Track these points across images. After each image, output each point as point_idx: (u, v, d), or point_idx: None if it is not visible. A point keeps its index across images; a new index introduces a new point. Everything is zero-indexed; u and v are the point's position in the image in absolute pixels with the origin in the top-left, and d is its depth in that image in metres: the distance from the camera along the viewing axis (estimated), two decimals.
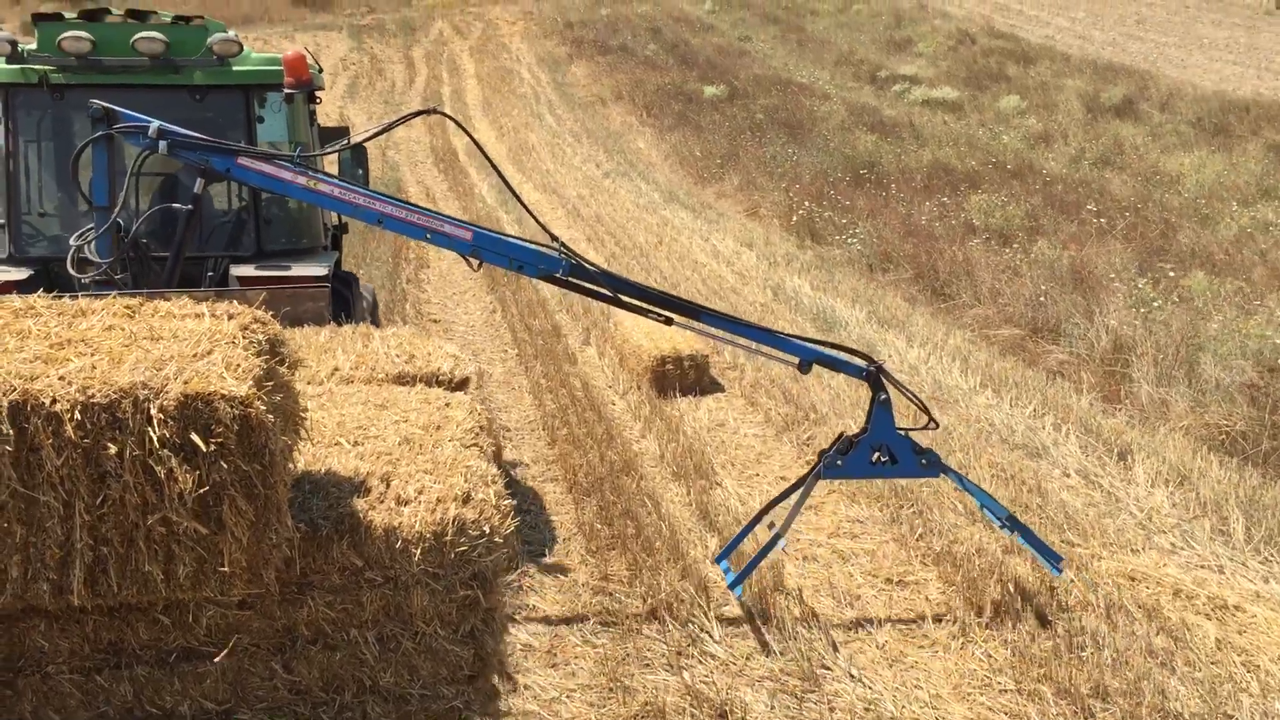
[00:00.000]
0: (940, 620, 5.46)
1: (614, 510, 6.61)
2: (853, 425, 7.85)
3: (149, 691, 3.24)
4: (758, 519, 6.00)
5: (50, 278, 5.47)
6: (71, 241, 4.73)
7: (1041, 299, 11.51)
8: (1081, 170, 19.01)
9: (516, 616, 5.12)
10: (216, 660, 3.26)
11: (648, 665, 4.81)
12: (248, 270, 5.71)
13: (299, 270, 5.69)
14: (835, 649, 5.08)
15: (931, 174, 18.39)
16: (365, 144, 6.18)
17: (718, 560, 6.08)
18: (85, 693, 3.20)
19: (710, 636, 5.11)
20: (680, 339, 9.33)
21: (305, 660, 3.33)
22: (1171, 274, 12.27)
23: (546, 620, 5.13)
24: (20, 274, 5.62)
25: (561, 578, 5.75)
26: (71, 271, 4.68)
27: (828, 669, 4.84)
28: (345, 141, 5.53)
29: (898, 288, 13.36)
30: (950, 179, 18.01)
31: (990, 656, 5.11)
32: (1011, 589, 5.79)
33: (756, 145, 20.98)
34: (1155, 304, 11.01)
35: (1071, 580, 6.33)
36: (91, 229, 4.70)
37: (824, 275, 13.61)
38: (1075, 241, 14.14)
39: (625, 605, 5.42)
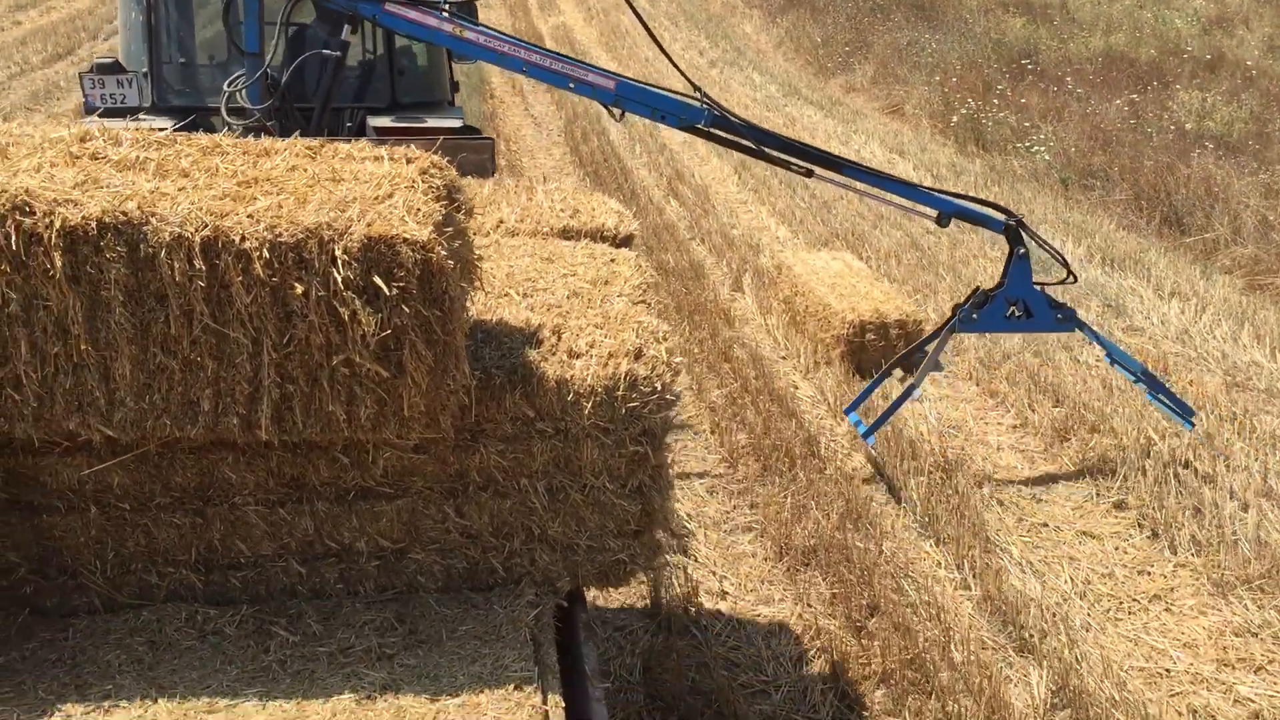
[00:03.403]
0: None
1: (858, 599, 5.06)
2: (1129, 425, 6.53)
3: (328, 526, 3.55)
4: (887, 372, 6.55)
5: (194, 126, 5.80)
6: (225, 87, 5.01)
7: None
8: None
9: None
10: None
11: None
12: (385, 122, 6.00)
13: (437, 122, 5.96)
14: None
15: (1107, 65, 16.82)
16: (475, 2, 6.39)
17: (847, 411, 6.65)
18: (269, 524, 3.53)
19: None
20: (881, 296, 7.63)
21: (476, 506, 3.61)
22: None
23: None
24: (165, 123, 5.95)
25: None
26: (225, 118, 4.96)
27: None
28: None
29: (1108, 212, 11.57)
30: (1133, 71, 16.43)
31: None
32: None
33: (886, 30, 20.04)
34: None
35: (1202, 437, 6.44)
36: (242, 76, 4.97)
37: (1007, 193, 11.98)
38: None
39: None
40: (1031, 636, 4.93)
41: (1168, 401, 6.19)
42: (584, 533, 3.68)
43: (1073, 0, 22.52)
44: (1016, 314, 6.03)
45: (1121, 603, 5.31)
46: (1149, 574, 5.52)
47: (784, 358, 7.85)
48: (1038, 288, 6.01)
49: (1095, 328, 7.82)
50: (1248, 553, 5.50)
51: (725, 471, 6.28)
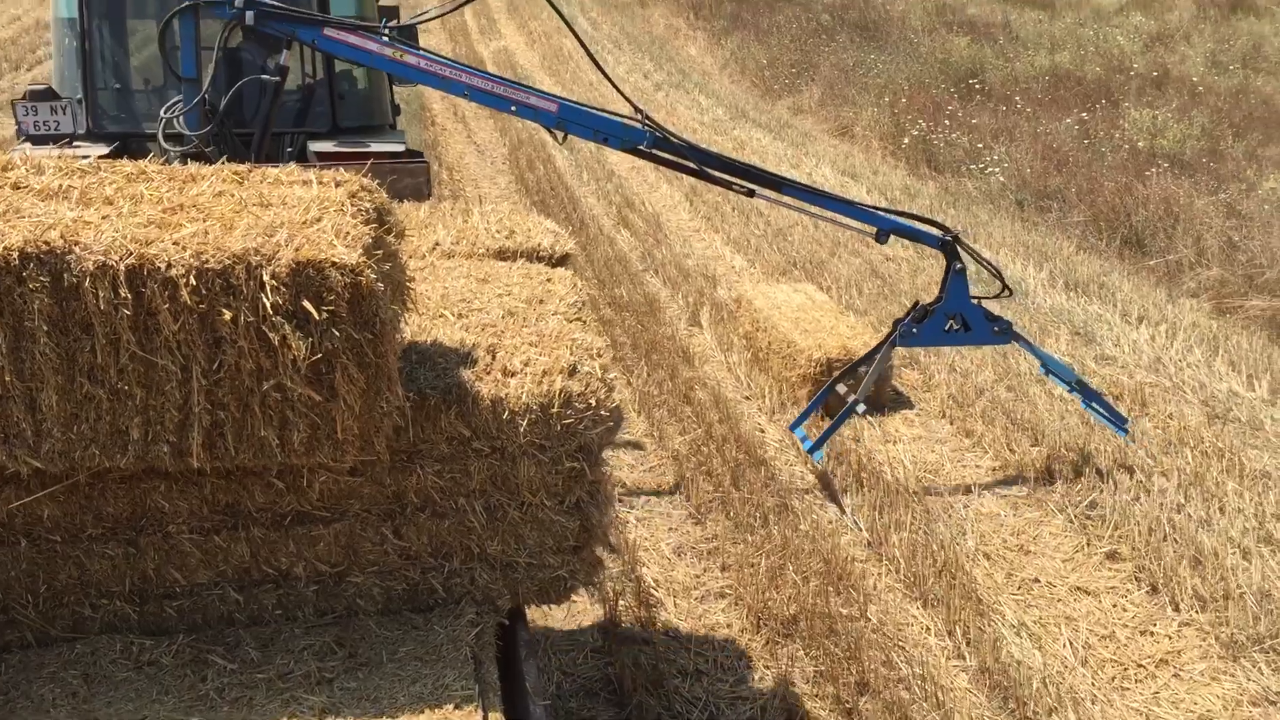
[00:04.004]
0: None
1: (846, 676, 4.77)
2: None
3: (265, 552, 3.57)
4: (830, 387, 6.65)
5: (128, 153, 5.83)
6: (161, 114, 5.04)
7: None
8: (1235, 77, 17.49)
9: None
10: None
11: None
12: (327, 146, 6.04)
13: (379, 146, 6.03)
14: None
15: (1054, 84, 16.99)
16: (415, 27, 6.50)
17: (792, 428, 6.77)
18: (204, 552, 3.53)
19: None
20: (848, 332, 7.33)
21: (415, 527, 3.63)
22: None
23: None
24: (100, 149, 5.97)
25: None
26: (163, 144, 4.99)
27: None
28: (431, 12, 5.83)
29: (1065, 234, 11.45)
30: (1080, 90, 16.59)
31: None
32: None
33: (831, 51, 20.28)
34: None
35: (1135, 445, 6.56)
36: (179, 102, 5.00)
37: (964, 216, 11.83)
38: None
39: None
40: (1037, 714, 4.63)
41: (1102, 411, 6.38)
42: (523, 550, 3.71)
43: (1015, 19, 22.96)
44: (955, 327, 6.22)
45: (1127, 669, 4.99)
46: (1152, 634, 5.21)
47: (748, 398, 7.58)
48: (974, 301, 6.18)
49: (1066, 356, 7.93)
50: (1255, 609, 5.22)
51: (693, 529, 5.95)
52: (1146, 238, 10.91)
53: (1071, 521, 6.06)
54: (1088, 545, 5.88)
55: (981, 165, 13.60)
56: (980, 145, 14.26)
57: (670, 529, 5.93)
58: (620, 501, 6.04)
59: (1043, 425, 6.89)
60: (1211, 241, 10.26)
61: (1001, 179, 13.01)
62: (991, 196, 12.81)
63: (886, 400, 7.39)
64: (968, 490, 6.41)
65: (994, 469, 6.62)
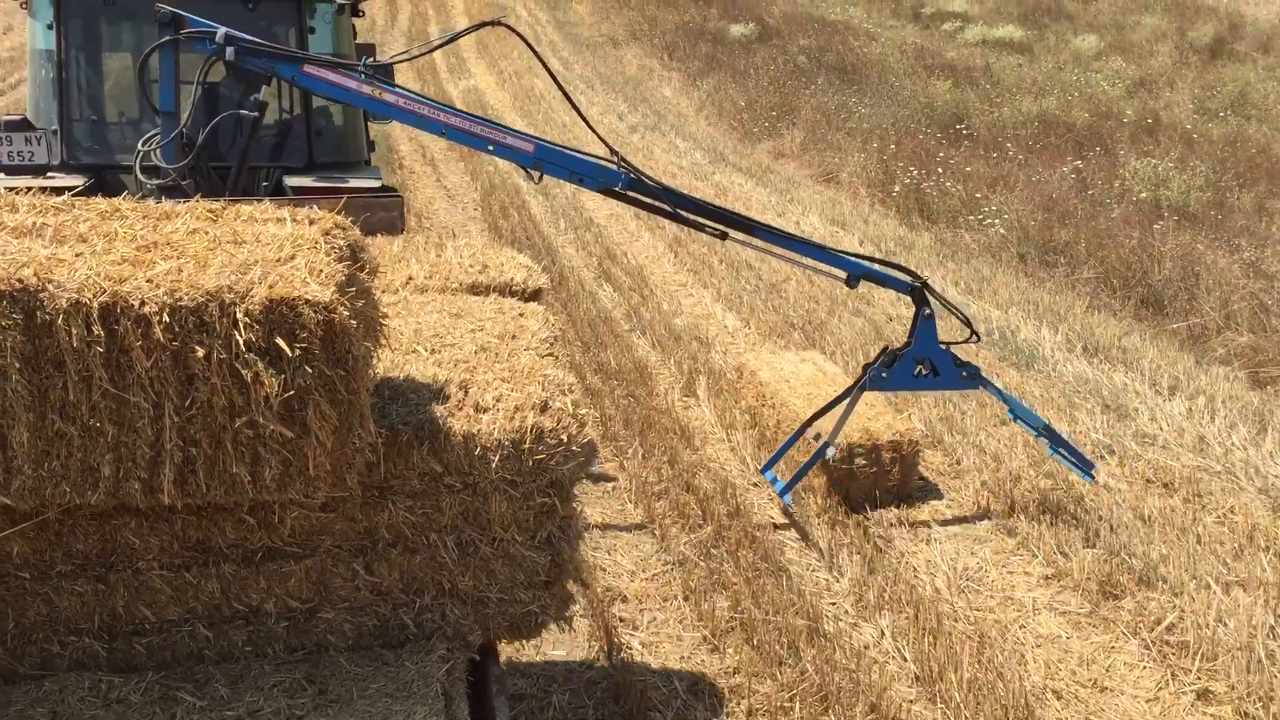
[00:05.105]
0: None
1: None
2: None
3: (235, 589, 3.62)
4: (801, 430, 6.76)
5: (103, 184, 5.93)
6: (139, 146, 5.14)
7: None
8: (1227, 125, 17.37)
9: None
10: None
11: None
12: (304, 181, 6.17)
13: (355, 182, 6.15)
14: None
15: (1044, 130, 16.80)
16: (392, 65, 6.64)
17: (763, 470, 6.83)
18: (175, 588, 3.59)
19: None
20: (867, 411, 6.75)
21: (386, 562, 3.70)
22: None
23: None
24: (75, 180, 6.07)
25: None
26: (140, 177, 5.09)
27: None
28: (410, 52, 5.97)
29: (1075, 292, 10.87)
30: (1071, 136, 16.44)
31: None
32: None
33: (811, 94, 20.39)
34: None
35: (1105, 487, 6.57)
36: (157, 134, 5.12)
37: (965, 270, 11.29)
38: None
39: None
40: None
41: (1069, 457, 6.49)
42: (494, 585, 3.78)
43: (995, 63, 23.35)
44: (924, 372, 6.35)
45: None
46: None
47: (756, 485, 6.87)
48: (943, 347, 6.32)
49: (1104, 437, 7.57)
50: None
51: (709, 658, 5.20)
52: (1166, 298, 10.26)
53: (1148, 648, 5.25)
54: (1173, 680, 5.06)
55: (979, 216, 13.11)
56: (977, 195, 13.78)
57: (682, 658, 5.19)
58: (621, 621, 5.47)
59: (1095, 524, 6.24)
60: (1239, 304, 9.62)
61: (1001, 231, 12.44)
62: (991, 249, 12.24)
63: (914, 490, 6.82)
64: (1019, 604, 5.67)
65: (1046, 577, 5.87)
